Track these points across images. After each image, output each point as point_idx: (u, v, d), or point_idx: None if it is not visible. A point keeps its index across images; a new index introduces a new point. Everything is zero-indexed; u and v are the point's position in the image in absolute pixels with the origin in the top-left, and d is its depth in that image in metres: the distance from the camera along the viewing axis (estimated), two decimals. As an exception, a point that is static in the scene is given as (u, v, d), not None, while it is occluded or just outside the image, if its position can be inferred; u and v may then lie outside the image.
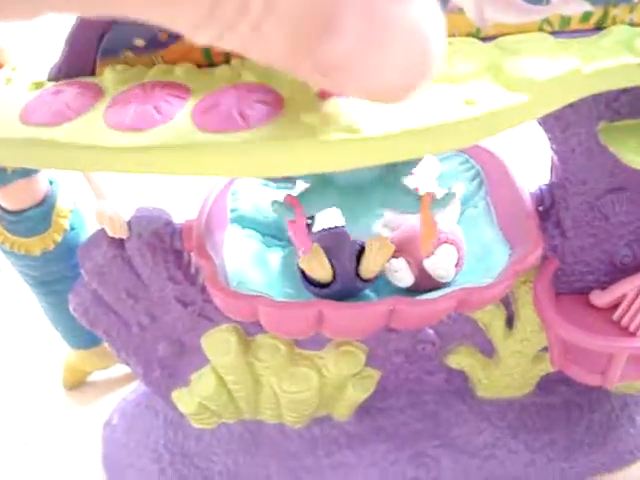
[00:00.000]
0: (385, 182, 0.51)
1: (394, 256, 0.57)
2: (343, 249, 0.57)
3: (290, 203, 0.51)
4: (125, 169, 0.47)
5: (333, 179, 0.51)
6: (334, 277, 0.56)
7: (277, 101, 0.43)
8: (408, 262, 0.57)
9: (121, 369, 0.83)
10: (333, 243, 0.57)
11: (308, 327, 0.56)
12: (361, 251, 0.57)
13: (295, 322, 0.56)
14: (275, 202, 0.52)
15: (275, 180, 0.52)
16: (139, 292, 0.60)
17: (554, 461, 0.68)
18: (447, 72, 0.44)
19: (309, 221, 0.58)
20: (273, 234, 0.64)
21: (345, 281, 0.57)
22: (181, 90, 0.44)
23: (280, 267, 0.61)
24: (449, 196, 0.51)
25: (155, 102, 0.43)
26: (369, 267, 0.56)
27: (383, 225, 0.57)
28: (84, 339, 0.77)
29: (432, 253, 0.56)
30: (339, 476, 0.68)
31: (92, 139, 0.41)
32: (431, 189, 0.52)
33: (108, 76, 0.46)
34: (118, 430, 0.73)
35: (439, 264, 0.56)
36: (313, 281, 0.57)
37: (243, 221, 0.63)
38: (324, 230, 0.58)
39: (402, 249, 0.57)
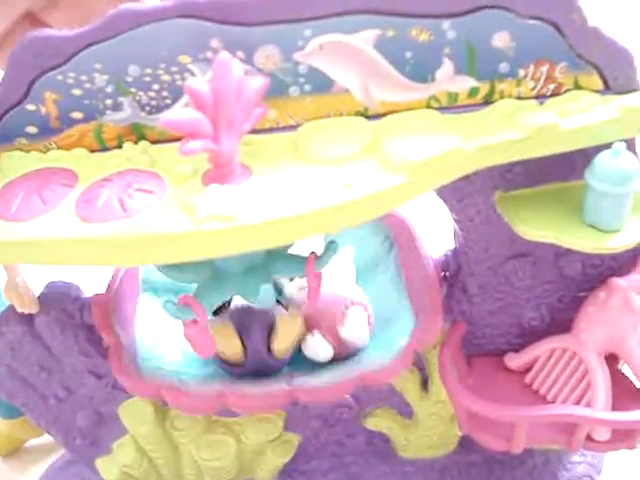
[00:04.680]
0: (272, 254, 0.52)
1: (308, 331, 0.58)
2: (255, 326, 0.57)
3: (187, 303, 0.51)
4: (6, 260, 0.48)
5: (223, 266, 0.51)
6: (246, 355, 0.57)
7: (160, 188, 0.44)
8: (323, 335, 0.58)
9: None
10: (245, 320, 0.57)
11: (214, 409, 0.58)
12: (273, 327, 0.57)
13: (200, 406, 0.57)
14: (169, 303, 0.51)
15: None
16: (52, 366, 0.61)
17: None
18: (328, 154, 0.45)
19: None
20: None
21: (257, 360, 0.57)
22: (69, 178, 0.45)
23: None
24: (330, 247, 0.52)
25: (41, 191, 0.44)
26: (280, 345, 0.57)
27: (297, 289, 0.58)
28: (11, 409, 0.76)
29: (343, 319, 0.57)
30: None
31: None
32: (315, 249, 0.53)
33: (2, 163, 0.47)
34: (45, 497, 0.73)
35: (354, 329, 0.57)
36: (225, 360, 0.58)
37: (156, 290, 0.63)
38: (236, 307, 0.59)
39: (314, 324, 0.58)
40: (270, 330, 0.57)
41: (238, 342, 0.56)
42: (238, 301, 0.58)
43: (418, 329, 0.58)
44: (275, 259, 0.51)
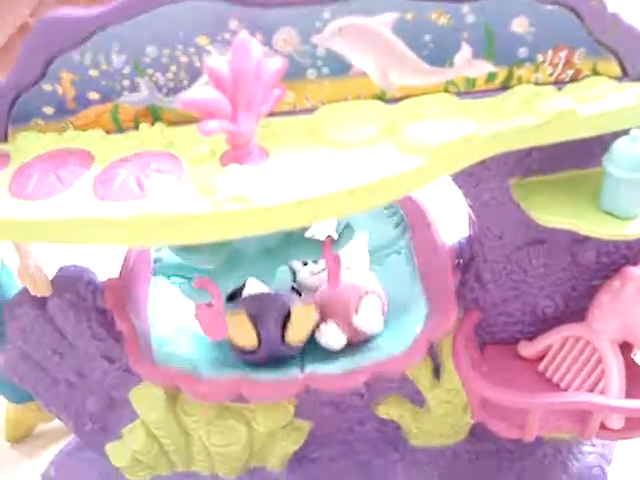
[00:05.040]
0: (289, 237, 0.51)
1: (322, 320, 0.57)
2: (269, 316, 0.57)
3: (202, 285, 0.51)
4: (20, 239, 0.48)
5: (240, 248, 0.51)
6: (259, 344, 0.57)
7: (177, 168, 0.43)
8: (337, 324, 0.57)
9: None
10: (259, 309, 0.57)
11: (228, 397, 0.58)
12: (288, 316, 0.57)
13: (214, 394, 0.57)
14: (184, 284, 0.51)
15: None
16: (64, 350, 0.60)
17: (486, 511, 0.68)
18: (346, 137, 0.44)
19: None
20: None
21: (271, 348, 0.57)
22: (85, 158, 0.45)
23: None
24: (347, 231, 0.52)
25: (58, 170, 0.44)
26: (295, 334, 0.57)
27: (310, 273, 0.58)
28: (21, 394, 0.76)
29: (358, 308, 0.57)
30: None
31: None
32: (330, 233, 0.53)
33: (18, 143, 0.47)
34: (55, 482, 0.73)
35: (368, 318, 0.57)
36: (239, 347, 0.58)
37: (168, 270, 0.63)
38: (250, 296, 0.58)
39: (328, 312, 0.58)
40: (285, 319, 0.57)
41: (252, 330, 0.56)
42: (252, 289, 0.58)
43: (432, 317, 0.58)
44: (292, 242, 0.51)
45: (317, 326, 0.58)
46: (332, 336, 0.57)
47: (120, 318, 0.57)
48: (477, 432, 0.69)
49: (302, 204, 0.41)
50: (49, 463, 0.74)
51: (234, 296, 0.57)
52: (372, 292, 0.58)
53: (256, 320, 0.56)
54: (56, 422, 0.81)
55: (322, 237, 0.53)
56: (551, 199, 0.52)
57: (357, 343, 0.58)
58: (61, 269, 0.59)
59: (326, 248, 0.51)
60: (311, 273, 0.59)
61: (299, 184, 0.41)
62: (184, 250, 0.50)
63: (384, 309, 0.59)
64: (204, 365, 0.57)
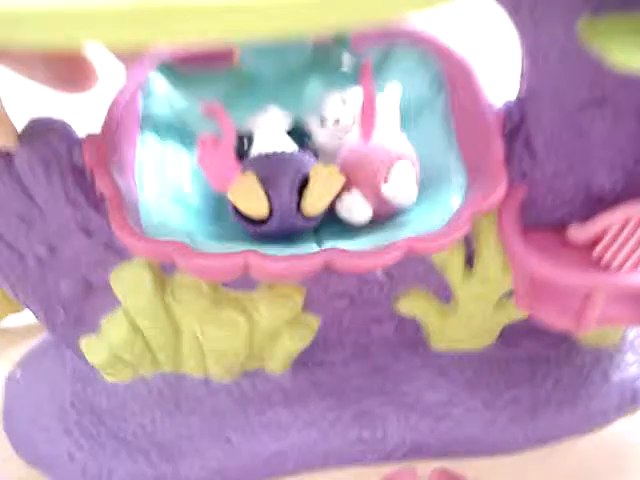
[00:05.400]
0: (319, 55, 0.41)
1: (344, 189, 0.48)
2: (283, 180, 0.47)
3: (211, 110, 0.41)
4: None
5: (254, 73, 0.41)
6: (271, 213, 0.47)
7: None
8: (363, 194, 0.48)
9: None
10: (271, 172, 0.47)
11: (233, 275, 0.47)
12: (305, 183, 0.47)
13: (218, 272, 0.47)
14: (190, 111, 0.41)
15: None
16: (33, 217, 0.51)
17: (517, 421, 0.60)
18: None
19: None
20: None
21: (284, 218, 0.47)
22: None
23: (206, 192, 0.52)
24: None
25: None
26: (314, 202, 0.47)
27: (341, 101, 0.48)
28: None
29: (387, 175, 0.48)
30: (272, 437, 0.59)
31: None
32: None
33: None
34: (21, 384, 0.63)
35: (399, 187, 0.47)
36: (246, 216, 0.48)
37: (158, 128, 0.53)
38: (260, 155, 0.48)
39: (351, 179, 0.48)
40: (301, 184, 0.47)
41: (263, 195, 0.46)
42: (262, 147, 0.48)
43: (475, 188, 0.48)
44: (322, 63, 0.41)
45: (338, 196, 0.48)
46: (357, 207, 0.47)
47: (101, 178, 0.47)
48: (508, 336, 0.61)
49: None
50: (15, 363, 0.65)
51: (239, 155, 0.47)
52: (404, 157, 0.48)
53: (267, 184, 0.46)
54: (26, 316, 0.72)
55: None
56: (631, 39, 0.43)
57: (383, 218, 0.49)
58: (32, 120, 0.49)
59: (365, 72, 0.41)
60: (331, 136, 0.49)
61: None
62: (185, 80, 0.40)
63: (417, 178, 0.49)
64: (202, 237, 0.47)
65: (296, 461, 0.60)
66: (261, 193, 0.46)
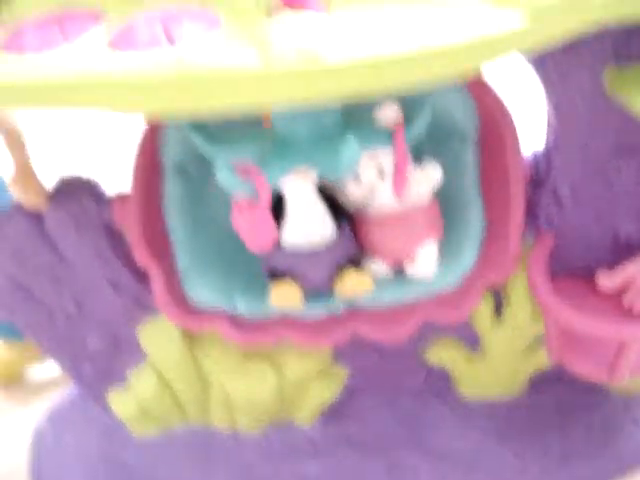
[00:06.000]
0: (350, 115, 0.42)
1: (367, 255, 0.50)
2: (317, 274, 0.48)
3: (246, 172, 0.41)
4: (11, 103, 0.38)
5: (289, 135, 0.41)
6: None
7: (213, 20, 0.34)
8: (386, 264, 0.50)
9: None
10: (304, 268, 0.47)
11: (270, 341, 0.51)
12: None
13: (256, 338, 0.50)
14: (224, 171, 0.41)
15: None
16: (62, 274, 0.51)
17: (548, 471, 0.59)
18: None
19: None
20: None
21: (314, 298, 0.49)
22: (95, 13, 0.36)
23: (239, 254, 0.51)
24: (421, 110, 0.43)
25: (62, 23, 0.34)
26: (344, 294, 0.48)
27: (374, 159, 0.48)
28: (12, 329, 0.67)
29: (413, 256, 0.49)
30: (302, 490, 0.59)
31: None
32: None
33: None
34: (48, 438, 0.63)
35: (424, 269, 0.49)
36: None
37: (187, 172, 0.52)
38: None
39: (376, 246, 0.49)
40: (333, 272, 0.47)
41: (299, 295, 0.46)
42: (295, 209, 0.47)
43: (490, 255, 0.50)
44: (352, 123, 0.41)
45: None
46: (377, 280, 0.49)
47: (140, 252, 0.48)
48: (536, 384, 0.61)
49: (389, 60, 0.32)
50: (43, 416, 0.64)
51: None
52: (432, 231, 0.48)
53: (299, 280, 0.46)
54: (50, 366, 0.72)
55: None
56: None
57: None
58: (62, 179, 0.50)
59: (398, 132, 0.41)
60: (364, 193, 0.48)
61: (370, 39, 0.32)
62: (212, 138, 0.40)
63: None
64: (240, 296, 0.48)
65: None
66: (297, 294, 0.46)
